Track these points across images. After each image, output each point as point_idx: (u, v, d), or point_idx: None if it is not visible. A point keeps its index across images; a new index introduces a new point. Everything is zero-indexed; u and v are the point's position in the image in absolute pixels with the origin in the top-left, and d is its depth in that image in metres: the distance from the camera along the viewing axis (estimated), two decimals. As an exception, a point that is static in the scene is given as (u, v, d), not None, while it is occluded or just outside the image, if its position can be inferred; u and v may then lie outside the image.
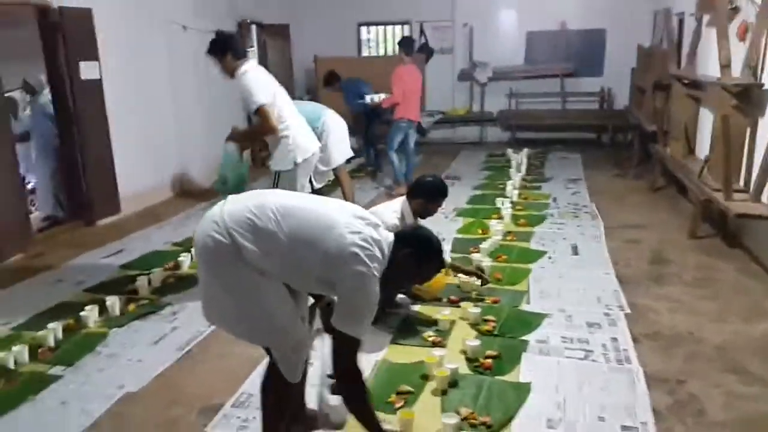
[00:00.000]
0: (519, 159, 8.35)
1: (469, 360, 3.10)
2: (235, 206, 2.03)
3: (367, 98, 7.58)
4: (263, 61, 9.46)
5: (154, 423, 2.66)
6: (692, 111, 6.08)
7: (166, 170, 6.95)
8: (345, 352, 1.99)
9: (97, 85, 5.70)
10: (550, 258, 4.61)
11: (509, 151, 8.89)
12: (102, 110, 5.78)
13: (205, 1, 7.75)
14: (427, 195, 3.53)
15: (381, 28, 10.97)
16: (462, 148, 9.98)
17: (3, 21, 5.87)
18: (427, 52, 10.43)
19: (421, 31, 10.48)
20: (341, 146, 5.58)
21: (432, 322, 3.49)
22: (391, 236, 2.10)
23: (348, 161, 5.96)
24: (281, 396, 2.21)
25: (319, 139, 5.14)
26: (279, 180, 3.99)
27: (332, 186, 6.35)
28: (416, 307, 3.73)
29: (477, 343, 3.14)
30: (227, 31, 3.98)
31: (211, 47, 3.82)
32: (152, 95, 6.58)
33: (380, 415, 2.16)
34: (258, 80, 3.72)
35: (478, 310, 3.52)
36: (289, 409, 2.27)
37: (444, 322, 3.43)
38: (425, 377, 2.92)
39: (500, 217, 5.64)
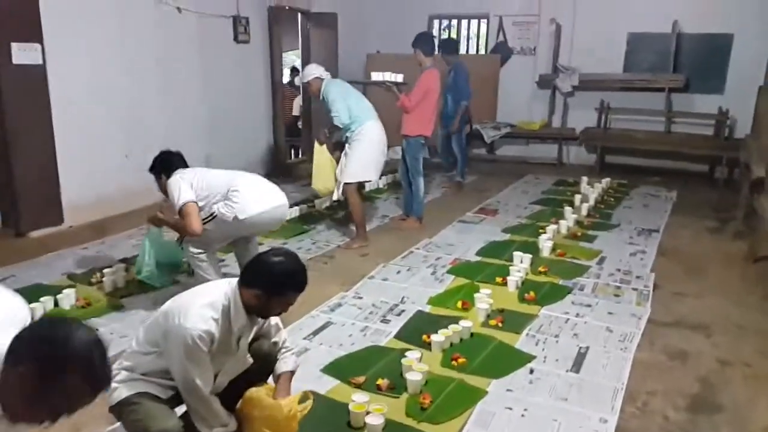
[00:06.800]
0: (588, 193, 6.61)
1: None
2: None
3: (374, 75, 5.52)
4: (306, 55, 8.32)
5: None
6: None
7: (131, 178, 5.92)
8: None
9: (38, 72, 4.81)
10: (531, 372, 3.01)
11: (584, 179, 7.10)
12: (44, 102, 4.89)
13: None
14: (268, 285, 2.08)
15: (455, 21, 9.47)
16: (531, 169, 8.27)
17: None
18: (503, 52, 8.86)
19: (500, 28, 8.88)
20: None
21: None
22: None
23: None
24: None
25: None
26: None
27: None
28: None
29: None
30: (165, 150, 3.62)
31: (150, 168, 3.58)
32: (131, 87, 5.62)
33: None
34: (182, 180, 3.41)
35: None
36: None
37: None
38: None
39: (504, 283, 4.07)
